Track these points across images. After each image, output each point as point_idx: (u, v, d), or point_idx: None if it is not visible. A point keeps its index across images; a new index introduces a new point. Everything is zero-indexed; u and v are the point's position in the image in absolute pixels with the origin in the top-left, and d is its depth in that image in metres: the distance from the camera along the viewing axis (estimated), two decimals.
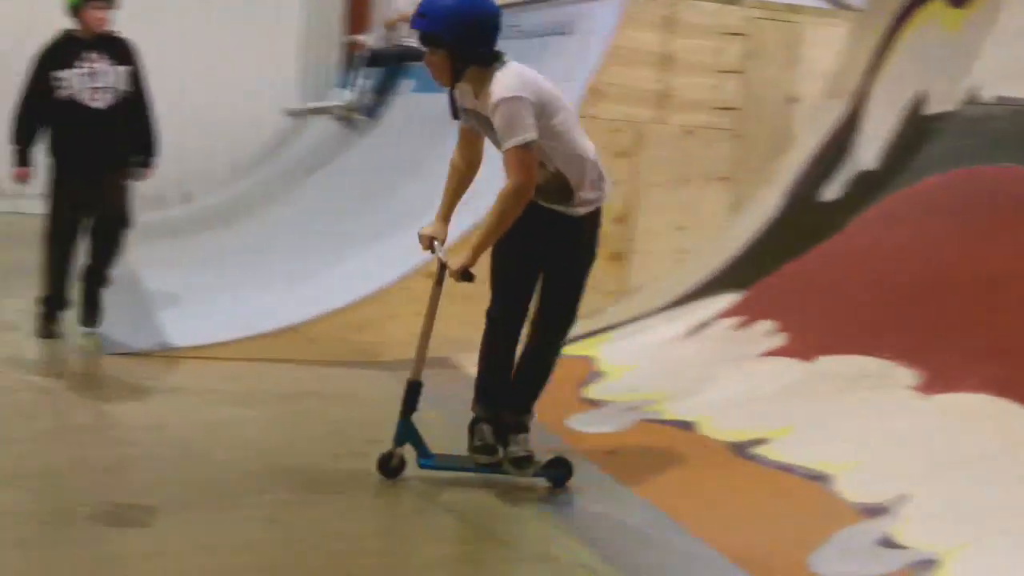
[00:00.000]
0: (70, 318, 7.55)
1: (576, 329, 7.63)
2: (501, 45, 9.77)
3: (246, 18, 14.22)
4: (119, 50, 7.40)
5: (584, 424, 6.28)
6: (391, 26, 12.54)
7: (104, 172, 7.36)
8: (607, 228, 7.97)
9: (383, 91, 11.75)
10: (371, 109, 11.75)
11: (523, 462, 5.29)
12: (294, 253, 9.15)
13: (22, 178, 7.40)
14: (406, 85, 11.64)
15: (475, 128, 5.21)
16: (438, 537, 4.87)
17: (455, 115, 5.20)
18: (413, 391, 5.39)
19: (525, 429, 5.35)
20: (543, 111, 4.97)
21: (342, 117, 12.27)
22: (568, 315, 5.42)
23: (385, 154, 10.64)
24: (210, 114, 13.39)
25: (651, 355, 7.10)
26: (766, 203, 8.18)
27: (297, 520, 4.86)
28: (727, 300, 7.39)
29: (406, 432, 5.33)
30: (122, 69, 7.37)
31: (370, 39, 12.60)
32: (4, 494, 4.82)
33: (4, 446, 5.46)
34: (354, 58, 12.99)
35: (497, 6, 5.14)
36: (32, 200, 13.19)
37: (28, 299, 7.63)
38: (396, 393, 6.77)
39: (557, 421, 6.28)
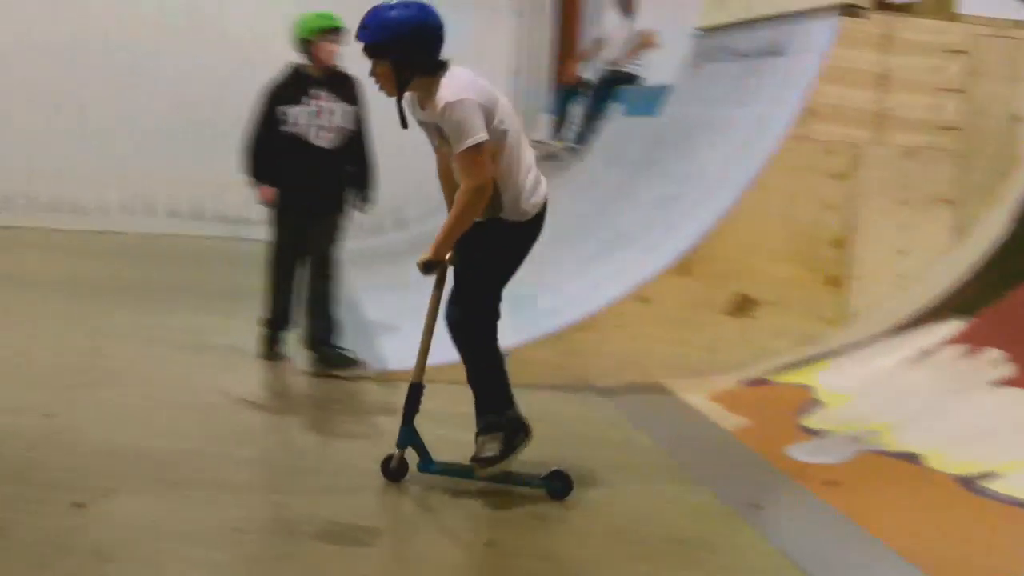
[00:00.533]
0: (294, 340, 7.74)
1: (792, 356, 7.56)
2: (715, 68, 9.77)
3: (457, 43, 14.42)
4: (347, 88, 7.40)
5: (803, 454, 6.13)
6: (585, 58, 12.57)
7: (324, 210, 7.45)
8: (824, 252, 7.95)
9: (593, 117, 11.76)
10: (581, 135, 11.76)
11: (483, 462, 5.27)
12: None
13: (267, 198, 7.49)
14: (616, 109, 11.63)
15: (430, 139, 5.26)
16: (638, 557, 4.82)
17: (404, 124, 5.22)
18: (414, 394, 5.38)
19: (491, 429, 5.30)
20: (488, 113, 5.01)
21: (552, 155, 12.21)
22: (465, 308, 5.30)
23: (595, 179, 10.66)
24: (422, 139, 13.60)
25: (872, 383, 6.90)
26: (992, 226, 7.88)
27: (515, 544, 4.88)
28: (952, 327, 7.12)
29: (408, 436, 5.34)
30: (348, 108, 7.39)
31: (584, 66, 12.57)
32: (232, 512, 4.97)
33: (228, 464, 5.63)
34: (564, 86, 13.00)
35: (438, 15, 5.16)
36: (253, 226, 13.73)
37: (251, 322, 7.86)
38: (609, 418, 6.82)
39: (775, 450, 6.16)
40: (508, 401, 5.38)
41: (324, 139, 7.36)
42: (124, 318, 8.89)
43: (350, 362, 7.40)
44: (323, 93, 7.34)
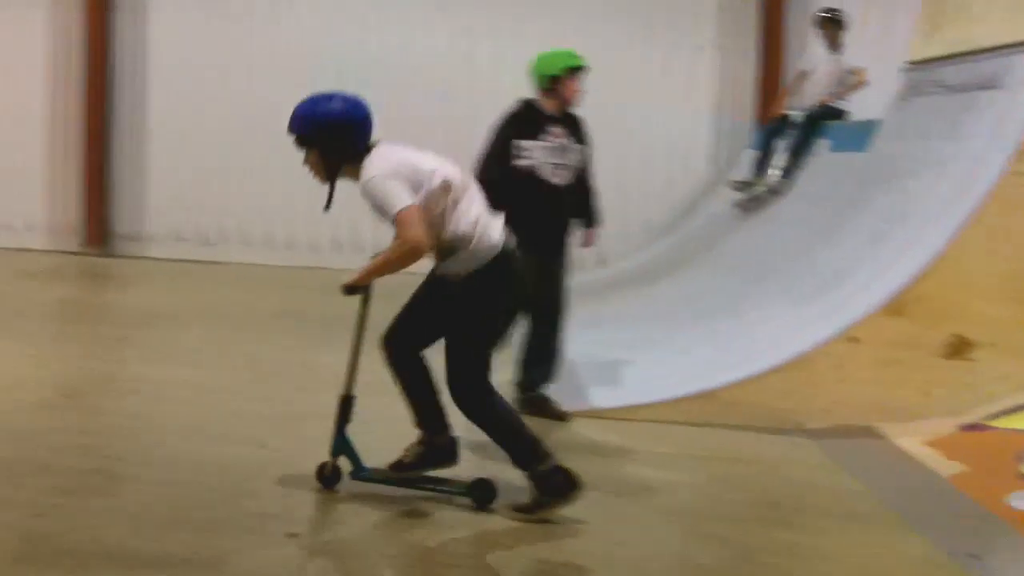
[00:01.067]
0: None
1: (1012, 400, 7.26)
2: (925, 102, 9.51)
3: (660, 81, 14.46)
4: (578, 127, 7.30)
5: None
6: (790, 93, 12.37)
7: (554, 251, 7.27)
8: None
9: (799, 153, 11.56)
10: (786, 172, 11.58)
11: (519, 508, 5.41)
12: (710, 315, 9.12)
13: None
14: (822, 146, 11.43)
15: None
16: None
17: (327, 207, 5.42)
18: (346, 405, 5.65)
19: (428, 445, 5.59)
20: (413, 182, 5.20)
21: (756, 193, 12.00)
22: (460, 375, 5.38)
23: (801, 216, 10.47)
24: (625, 177, 13.65)
25: None
26: None
27: None
28: None
29: (341, 445, 5.60)
30: (579, 147, 7.28)
31: (790, 102, 12.37)
32: (446, 547, 5.04)
33: (437, 498, 5.68)
34: (769, 122, 12.82)
35: (363, 107, 5.39)
36: None
37: None
38: (819, 462, 6.66)
39: (995, 498, 5.93)
40: (536, 456, 5.42)
41: (559, 176, 7.21)
42: (334, 353, 9.08)
43: (558, 415, 7.29)
44: (558, 130, 7.21)
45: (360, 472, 5.62)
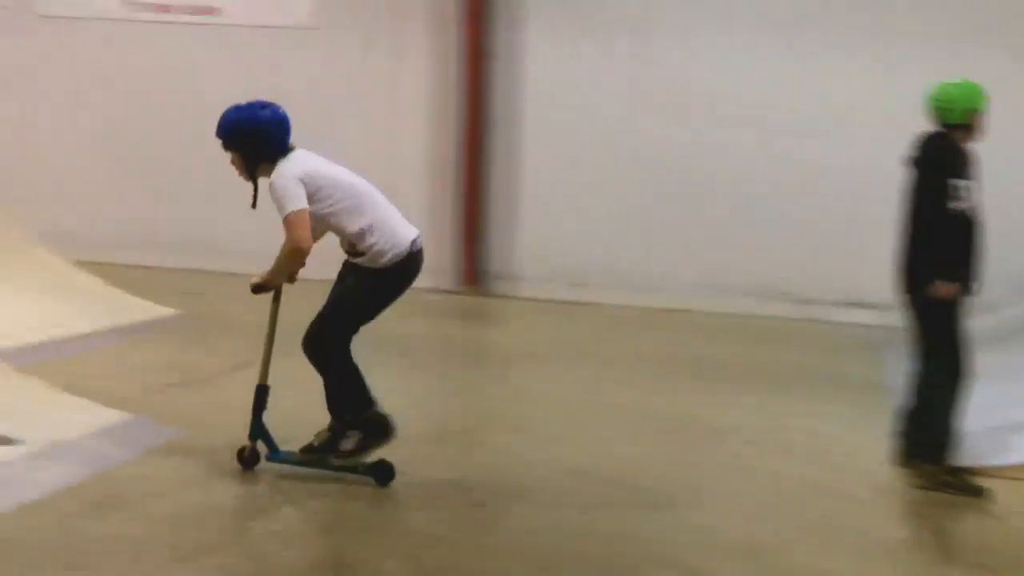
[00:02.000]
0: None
1: None
2: None
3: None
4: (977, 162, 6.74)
5: None
6: None
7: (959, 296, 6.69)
8: None
9: None
10: None
11: (340, 454, 6.24)
12: None
13: (949, 293, 6.59)
14: None
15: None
16: None
17: (254, 205, 6.13)
18: (261, 394, 6.29)
19: (350, 428, 6.25)
20: (317, 189, 5.95)
21: None
22: (324, 328, 6.18)
23: None
24: (1012, 213, 12.77)
25: None
26: None
27: None
28: None
29: (257, 430, 6.24)
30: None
31: None
32: None
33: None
34: None
35: (279, 114, 6.13)
36: (825, 308, 13.46)
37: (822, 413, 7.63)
38: None
39: None
40: (365, 402, 6.24)
41: (980, 216, 6.64)
42: (708, 396, 9.00)
43: (974, 490, 6.65)
44: (974, 168, 6.66)
45: (275, 455, 6.28)
